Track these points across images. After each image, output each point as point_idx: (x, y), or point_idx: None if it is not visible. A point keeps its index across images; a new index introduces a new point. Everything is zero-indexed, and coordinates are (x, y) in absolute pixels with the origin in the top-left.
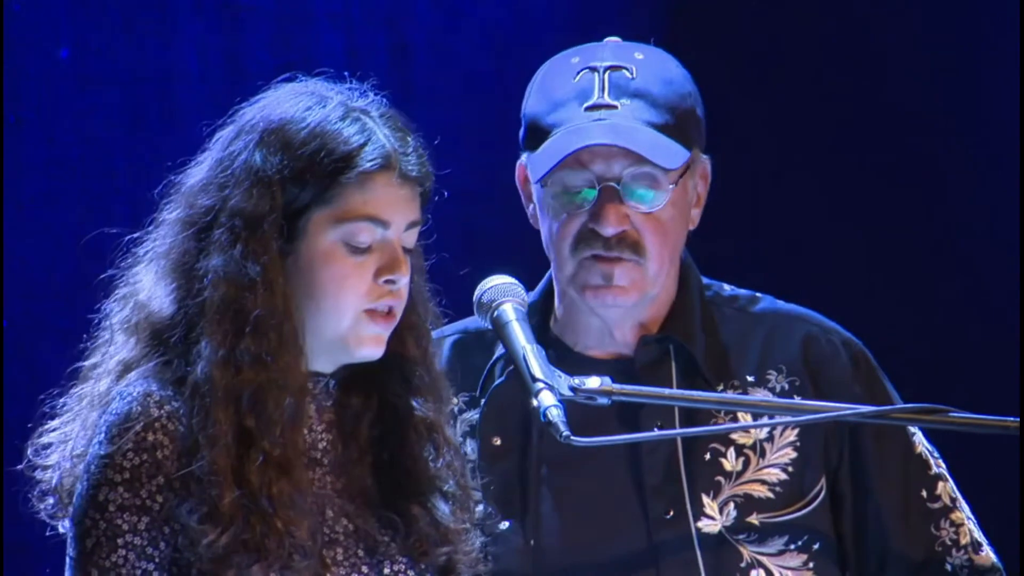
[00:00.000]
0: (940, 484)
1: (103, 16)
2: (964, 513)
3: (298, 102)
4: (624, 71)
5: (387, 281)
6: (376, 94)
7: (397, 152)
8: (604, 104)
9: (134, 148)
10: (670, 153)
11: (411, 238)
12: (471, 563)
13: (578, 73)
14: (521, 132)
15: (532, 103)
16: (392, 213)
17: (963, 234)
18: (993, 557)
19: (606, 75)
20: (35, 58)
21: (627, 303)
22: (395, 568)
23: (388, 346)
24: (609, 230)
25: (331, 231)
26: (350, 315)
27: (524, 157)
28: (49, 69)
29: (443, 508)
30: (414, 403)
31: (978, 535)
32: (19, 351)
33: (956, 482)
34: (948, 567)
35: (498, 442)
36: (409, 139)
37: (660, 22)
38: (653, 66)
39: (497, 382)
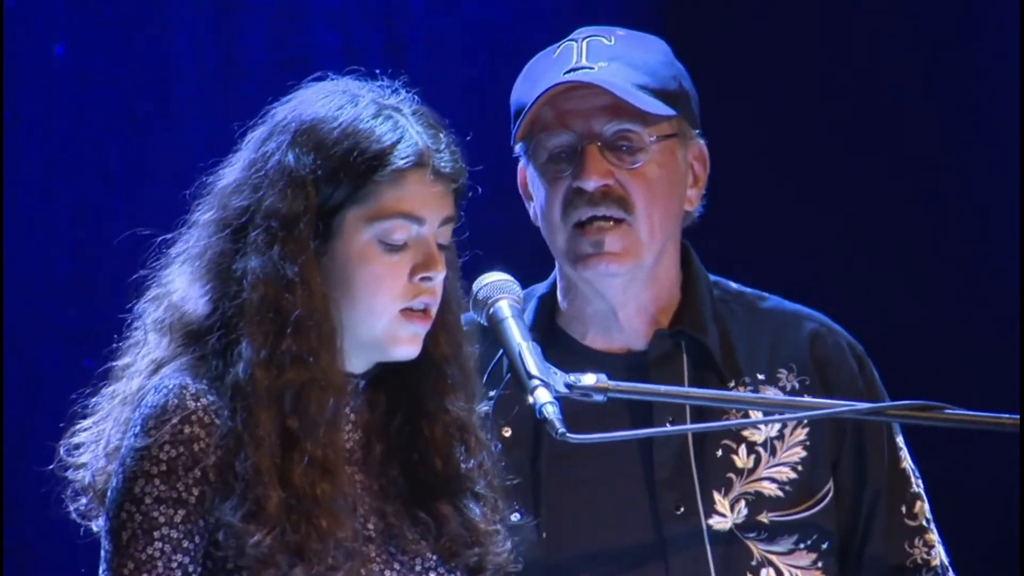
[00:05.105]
0: (918, 503)
1: (98, 13)
2: (935, 536)
3: (330, 101)
4: (602, 39)
5: (423, 278)
6: (408, 91)
7: (430, 149)
8: (582, 66)
9: (131, 145)
10: (646, 102)
11: (445, 235)
12: (502, 564)
13: (558, 49)
14: (513, 129)
15: (516, 91)
16: (426, 210)
17: (963, 232)
18: None
19: (584, 43)
20: (31, 55)
21: (621, 270)
22: (426, 565)
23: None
24: (591, 184)
25: (365, 230)
26: (386, 315)
27: (522, 159)
28: (45, 66)
29: (474, 509)
30: (446, 403)
31: (946, 560)
32: (18, 351)
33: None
34: None
35: (508, 433)
36: (442, 135)
37: (660, 22)
38: (634, 38)
39: (509, 376)
